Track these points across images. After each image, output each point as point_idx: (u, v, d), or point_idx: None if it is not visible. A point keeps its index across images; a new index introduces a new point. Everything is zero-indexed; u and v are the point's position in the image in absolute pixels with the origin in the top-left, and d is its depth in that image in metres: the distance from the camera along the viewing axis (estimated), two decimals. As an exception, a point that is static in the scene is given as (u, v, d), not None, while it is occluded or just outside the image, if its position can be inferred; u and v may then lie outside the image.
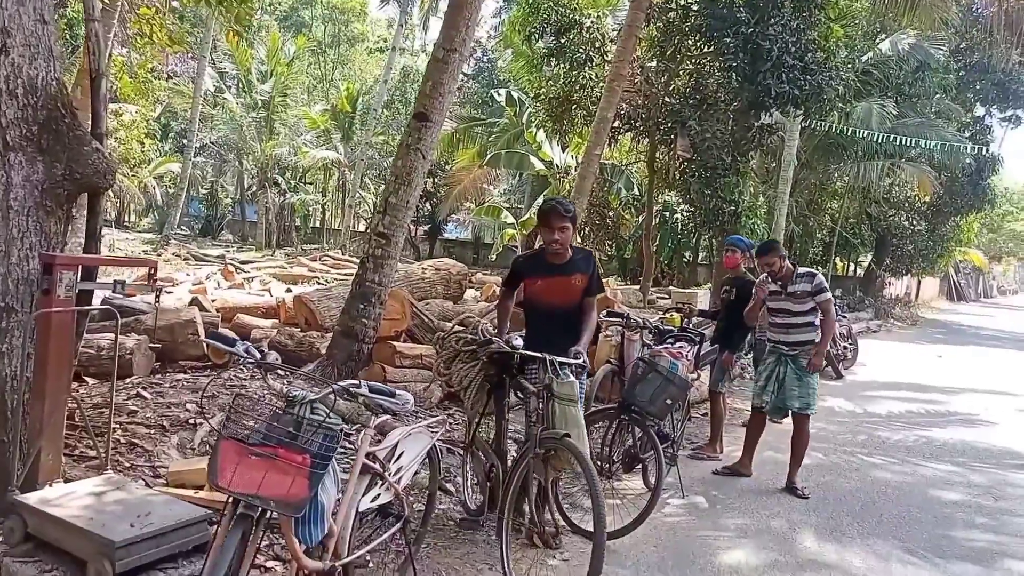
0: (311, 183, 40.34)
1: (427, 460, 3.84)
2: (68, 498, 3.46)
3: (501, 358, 4.17)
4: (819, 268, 27.35)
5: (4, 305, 3.57)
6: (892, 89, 20.25)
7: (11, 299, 3.59)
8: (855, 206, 25.12)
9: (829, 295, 5.77)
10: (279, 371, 2.77)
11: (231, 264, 18.35)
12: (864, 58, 19.26)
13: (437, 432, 3.82)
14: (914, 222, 25.65)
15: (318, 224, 41.99)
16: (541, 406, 3.94)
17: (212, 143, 38.15)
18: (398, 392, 3.18)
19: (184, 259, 23.11)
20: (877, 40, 20.73)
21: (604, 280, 16.70)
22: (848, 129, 18.62)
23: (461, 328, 4.69)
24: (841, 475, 6.45)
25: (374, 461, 3.26)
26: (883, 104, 19.62)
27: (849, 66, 14.29)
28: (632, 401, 5.00)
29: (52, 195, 3.63)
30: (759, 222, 13.76)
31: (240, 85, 34.91)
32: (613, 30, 14.86)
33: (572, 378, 3.88)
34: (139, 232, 35.12)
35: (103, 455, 3.95)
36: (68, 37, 20.01)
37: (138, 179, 32.63)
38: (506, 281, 4.77)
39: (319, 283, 16.57)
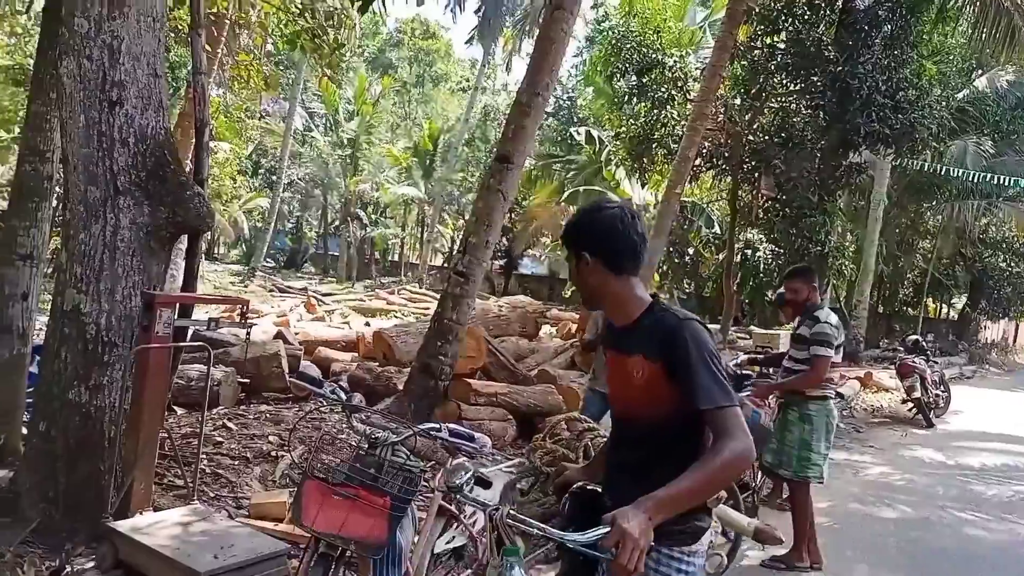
0: (391, 218, 41.36)
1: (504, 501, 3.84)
2: (157, 527, 3.60)
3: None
4: (909, 310, 26.29)
5: (107, 340, 3.77)
6: (989, 127, 19.50)
7: (114, 335, 3.78)
8: (949, 246, 24.10)
9: (825, 352, 4.69)
10: (363, 413, 2.82)
11: (313, 297, 18.88)
12: (959, 95, 18.62)
13: (514, 473, 3.80)
14: (1012, 264, 24.38)
15: (397, 258, 42.92)
16: None
17: (299, 179, 39.58)
18: (476, 435, 3.20)
19: (269, 291, 23.90)
20: (973, 77, 20.05)
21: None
22: (942, 168, 17.98)
23: (554, 440, 3.02)
24: (931, 531, 6.10)
25: (451, 503, 3.28)
26: (979, 142, 18.90)
27: (943, 104, 13.82)
28: None
29: (156, 237, 3.84)
30: (847, 262, 13.35)
31: (328, 124, 36.30)
32: (696, 68, 14.82)
33: None
34: (227, 264, 36.57)
35: (191, 486, 4.09)
36: (171, 79, 21.20)
37: (229, 213, 34.14)
38: None
39: (396, 317, 16.89)
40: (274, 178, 30.47)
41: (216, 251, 43.47)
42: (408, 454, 2.66)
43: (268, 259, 39.95)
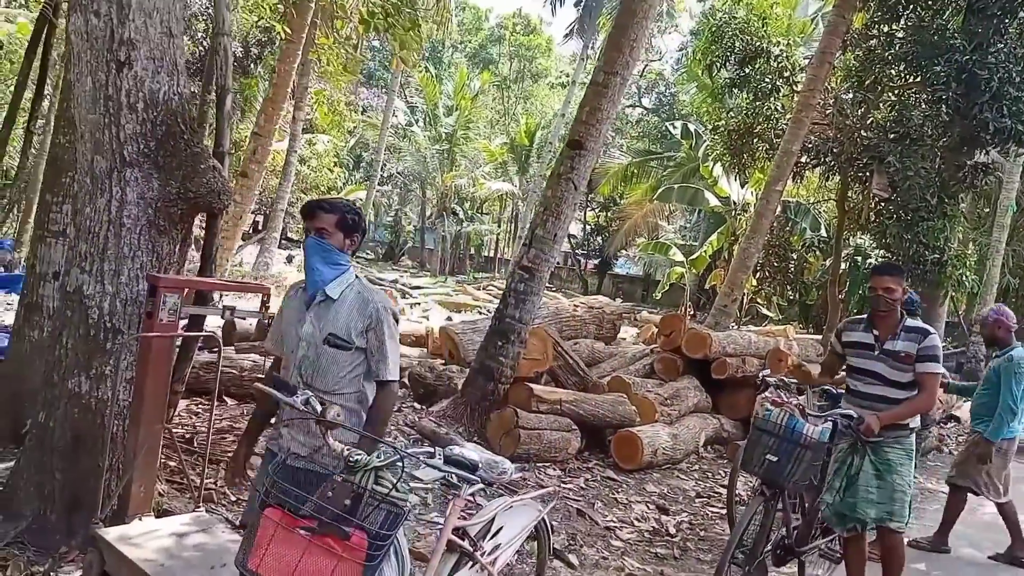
0: (487, 214, 41.26)
1: (536, 534, 3.30)
2: (149, 537, 3.24)
3: None
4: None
5: (110, 326, 3.44)
6: None
7: (118, 320, 3.45)
8: (1088, 260, 21.87)
9: (939, 369, 3.97)
10: (340, 429, 2.35)
11: (397, 289, 18.78)
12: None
13: (548, 504, 3.26)
14: None
15: (491, 254, 42.84)
16: None
17: (399, 173, 40.02)
18: (496, 460, 2.68)
19: (360, 282, 24.01)
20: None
21: (782, 327, 15.38)
22: (1083, 172, 16.15)
23: None
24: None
25: (463, 537, 2.77)
26: None
27: (1089, 98, 12.26)
28: (751, 472, 4.08)
29: (165, 213, 3.49)
30: (968, 273, 12.01)
31: (427, 119, 36.46)
32: (804, 58, 13.76)
33: None
34: (327, 254, 37.20)
35: (196, 492, 3.73)
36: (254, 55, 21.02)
37: (328, 204, 34.68)
38: None
39: (480, 312, 16.54)
40: (372, 171, 30.81)
41: (318, 241, 44.50)
42: (394, 483, 2.15)
43: (367, 251, 40.59)
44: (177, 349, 3.84)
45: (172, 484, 4.13)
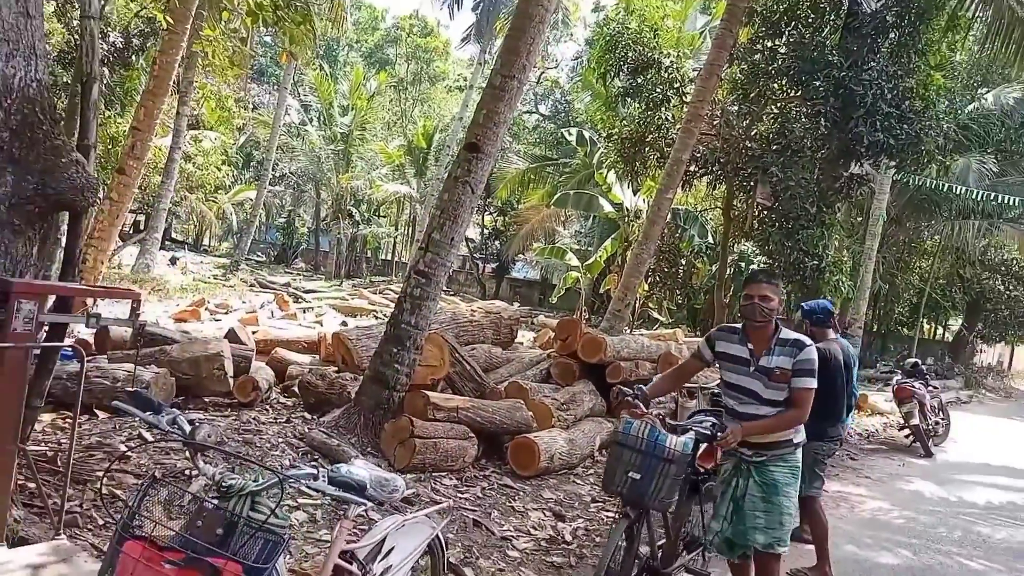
0: (384, 216, 40.64)
1: (430, 551, 3.18)
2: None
3: None
4: (904, 330, 25.68)
5: (-45, 336, 3.09)
6: (992, 145, 18.96)
7: (-36, 329, 3.10)
8: (946, 267, 23.62)
9: (813, 384, 3.65)
10: (222, 453, 2.16)
11: (290, 293, 18.18)
12: (966, 109, 18.08)
13: (443, 520, 3.14)
14: (1011, 287, 23.87)
15: (388, 257, 42.25)
16: None
17: (292, 173, 38.86)
18: (387, 477, 2.54)
19: (250, 286, 23.16)
20: (977, 93, 19.54)
21: (672, 330, 15.87)
22: (943, 185, 17.40)
23: None
24: (937, 583, 5.46)
25: (351, 561, 2.61)
26: (982, 160, 18.35)
27: (950, 116, 13.20)
28: (613, 493, 3.93)
29: (20, 211, 3.16)
30: (844, 278, 12.70)
31: (322, 118, 35.58)
32: (693, 70, 14.21)
33: None
34: (216, 256, 35.77)
35: (56, 517, 3.41)
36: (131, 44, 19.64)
37: (216, 204, 33.38)
38: None
39: (376, 317, 16.21)
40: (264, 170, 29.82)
41: (207, 243, 42.81)
42: (272, 509, 1.99)
43: (258, 253, 39.29)
44: (35, 361, 3.50)
45: (30, 509, 3.76)
